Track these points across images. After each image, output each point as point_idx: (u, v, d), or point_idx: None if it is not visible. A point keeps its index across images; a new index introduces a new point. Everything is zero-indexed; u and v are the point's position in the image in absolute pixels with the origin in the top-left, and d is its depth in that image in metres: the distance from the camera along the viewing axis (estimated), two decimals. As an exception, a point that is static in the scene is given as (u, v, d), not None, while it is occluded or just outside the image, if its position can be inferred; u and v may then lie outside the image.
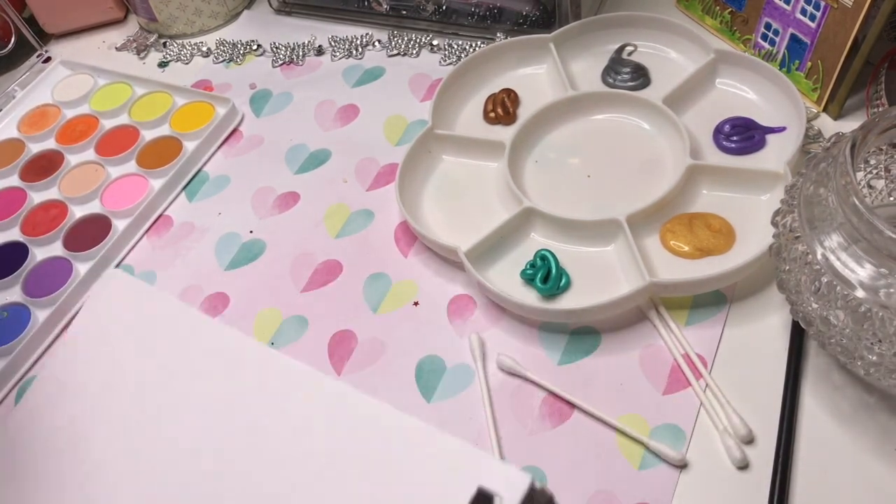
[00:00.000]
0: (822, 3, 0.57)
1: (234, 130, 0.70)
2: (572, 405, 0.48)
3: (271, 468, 0.44)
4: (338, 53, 0.74)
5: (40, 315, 0.58)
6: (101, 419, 0.49)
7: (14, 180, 0.68)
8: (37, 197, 0.67)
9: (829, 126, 0.60)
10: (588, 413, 0.47)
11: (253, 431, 0.45)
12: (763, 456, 0.45)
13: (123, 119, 0.71)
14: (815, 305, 0.41)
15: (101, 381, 0.50)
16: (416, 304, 0.55)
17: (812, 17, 0.58)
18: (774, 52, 0.63)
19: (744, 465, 0.44)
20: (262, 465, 0.44)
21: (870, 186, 0.50)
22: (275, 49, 0.76)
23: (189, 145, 0.68)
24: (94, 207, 0.65)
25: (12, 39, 0.78)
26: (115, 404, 0.49)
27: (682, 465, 0.45)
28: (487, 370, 0.50)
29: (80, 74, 0.77)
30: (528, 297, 0.52)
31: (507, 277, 0.54)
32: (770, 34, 0.63)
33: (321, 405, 0.45)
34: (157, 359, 0.49)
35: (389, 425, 0.42)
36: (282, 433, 0.44)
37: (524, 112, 0.64)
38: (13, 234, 0.64)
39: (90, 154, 0.69)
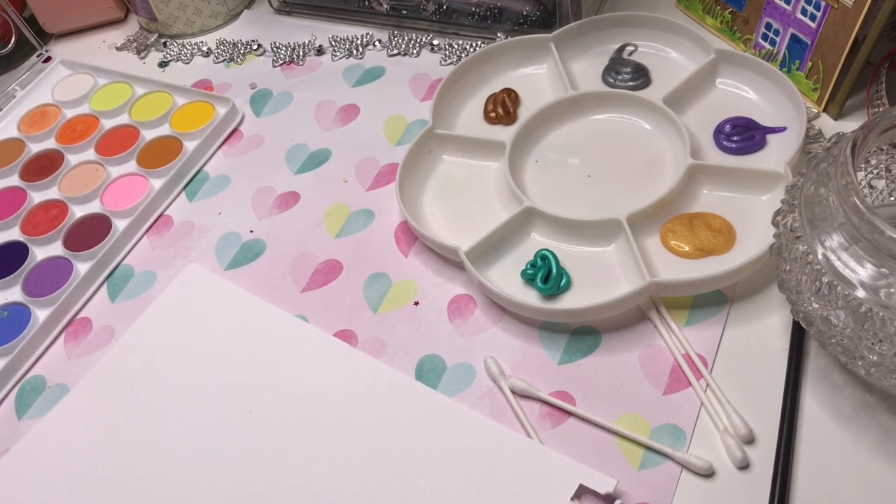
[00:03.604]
0: (823, 3, 0.57)
1: (235, 130, 0.70)
2: (570, 413, 0.48)
3: (359, 465, 0.47)
4: (338, 53, 0.74)
5: (40, 315, 0.58)
6: (165, 406, 0.52)
7: (14, 180, 0.68)
8: (37, 197, 0.67)
9: (829, 126, 0.60)
10: (587, 419, 0.47)
11: (339, 430, 0.49)
12: (763, 456, 0.45)
13: (123, 119, 0.71)
14: (815, 305, 0.41)
15: (172, 367, 0.54)
16: (416, 304, 0.55)
17: (812, 17, 0.58)
18: (775, 52, 0.63)
19: (744, 465, 0.44)
20: (356, 463, 0.47)
21: (870, 186, 0.50)
22: (275, 49, 0.76)
23: (189, 145, 0.68)
24: (94, 207, 0.65)
25: (12, 39, 0.78)
26: (180, 390, 0.53)
27: (710, 474, 0.44)
28: (505, 390, 0.49)
29: (81, 74, 0.77)
30: (529, 297, 0.52)
31: (507, 277, 0.54)
32: (770, 34, 0.63)
33: (411, 407, 0.49)
34: (244, 349, 0.54)
35: (483, 432, 0.47)
36: (365, 431, 0.49)
37: (524, 112, 0.64)
38: (13, 234, 0.64)
39: (90, 154, 0.69)
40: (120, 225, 0.63)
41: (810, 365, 0.48)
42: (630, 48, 0.66)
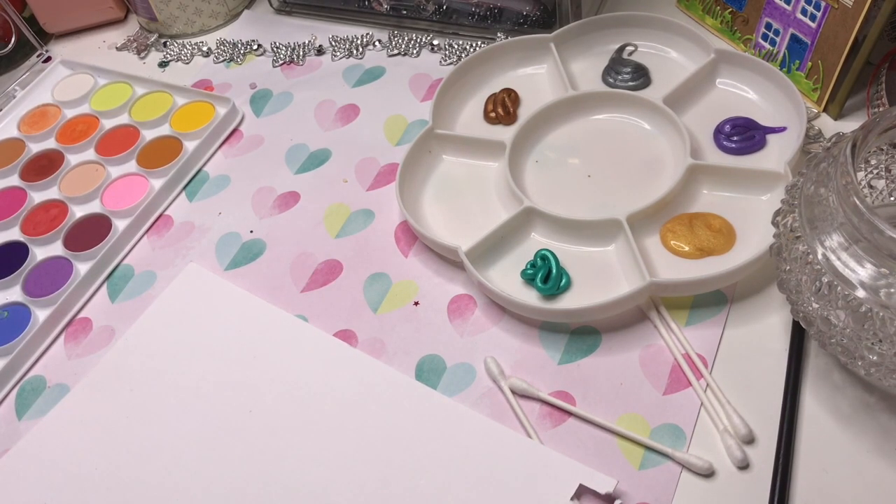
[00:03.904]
0: (823, 3, 0.57)
1: (235, 130, 0.70)
2: (570, 413, 0.48)
3: (358, 465, 0.47)
4: (338, 53, 0.74)
5: (40, 315, 0.58)
6: (165, 404, 0.52)
7: (14, 180, 0.68)
8: (37, 197, 0.67)
9: (829, 126, 0.60)
10: (587, 419, 0.47)
11: (339, 430, 0.49)
12: (763, 456, 0.45)
13: (123, 119, 0.71)
14: (815, 305, 0.41)
15: (173, 367, 0.54)
16: (416, 304, 0.55)
17: (812, 17, 0.58)
18: (775, 52, 0.63)
19: (744, 465, 0.44)
20: (353, 463, 0.47)
21: (870, 186, 0.50)
22: (275, 49, 0.76)
23: (189, 145, 0.68)
24: (94, 207, 0.65)
25: (12, 39, 0.78)
26: (181, 389, 0.53)
27: (709, 474, 0.44)
28: (505, 390, 0.49)
29: (81, 74, 0.77)
30: (529, 297, 0.52)
31: (507, 277, 0.54)
32: (770, 34, 0.63)
33: (411, 407, 0.49)
34: (246, 350, 0.54)
35: (483, 432, 0.47)
36: (365, 430, 0.49)
37: (524, 112, 0.64)
38: (13, 234, 0.64)
39: (90, 154, 0.69)
40: (120, 225, 0.63)
41: (810, 365, 0.48)
42: (630, 48, 0.66)
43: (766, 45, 0.63)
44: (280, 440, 0.49)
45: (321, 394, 0.50)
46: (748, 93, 0.61)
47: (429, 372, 0.51)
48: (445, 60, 0.71)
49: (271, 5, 0.80)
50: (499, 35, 0.70)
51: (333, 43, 0.75)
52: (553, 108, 0.61)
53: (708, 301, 0.51)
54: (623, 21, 0.66)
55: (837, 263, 0.39)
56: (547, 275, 0.52)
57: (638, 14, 0.66)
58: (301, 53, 0.75)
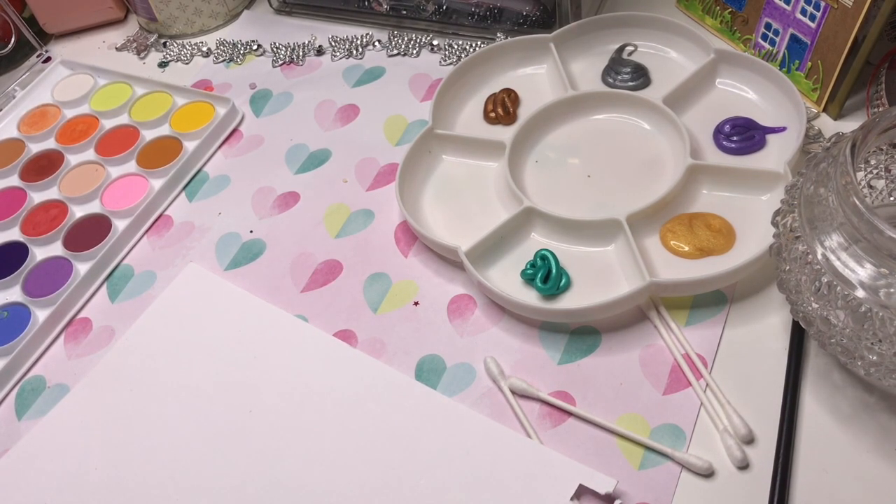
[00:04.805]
0: (822, 3, 0.57)
1: (234, 130, 0.70)
2: (570, 413, 0.48)
3: (354, 466, 0.47)
4: (338, 53, 0.74)
5: (40, 315, 0.58)
6: (163, 407, 0.52)
7: (14, 180, 0.68)
8: (37, 197, 0.67)
9: (829, 126, 0.60)
10: (587, 419, 0.47)
11: (339, 430, 0.49)
12: (763, 456, 0.45)
13: (123, 119, 0.71)
14: (815, 305, 0.41)
15: (172, 366, 0.54)
16: (416, 304, 0.55)
17: (812, 17, 0.58)
18: (774, 52, 0.63)
19: (744, 465, 0.44)
20: (350, 463, 0.47)
21: (870, 186, 0.50)
22: (275, 49, 0.76)
23: (189, 145, 0.68)
24: (94, 207, 0.65)
25: (12, 39, 0.78)
26: (181, 391, 0.53)
27: (709, 474, 0.44)
28: (505, 390, 0.49)
29: (80, 74, 0.77)
30: (529, 297, 0.52)
31: (507, 277, 0.54)
32: (770, 34, 0.63)
33: (411, 407, 0.49)
34: (243, 349, 0.54)
35: (483, 432, 0.47)
36: (365, 430, 0.49)
37: (524, 112, 0.64)
38: (13, 234, 0.64)
39: (90, 154, 0.69)
40: (120, 225, 0.63)
41: (810, 365, 0.48)
42: (630, 48, 0.66)
43: (766, 45, 0.63)
44: (280, 440, 0.49)
45: (321, 394, 0.50)
46: (748, 93, 0.61)
47: (429, 372, 0.51)
48: (445, 60, 0.71)
49: (271, 5, 0.80)
50: (499, 35, 0.70)
51: (333, 43, 0.75)
52: (553, 108, 0.61)
53: (708, 301, 0.51)
54: (623, 21, 0.66)
55: (837, 263, 0.39)
56: (547, 275, 0.52)
57: (638, 14, 0.66)
58: (301, 53, 0.75)
